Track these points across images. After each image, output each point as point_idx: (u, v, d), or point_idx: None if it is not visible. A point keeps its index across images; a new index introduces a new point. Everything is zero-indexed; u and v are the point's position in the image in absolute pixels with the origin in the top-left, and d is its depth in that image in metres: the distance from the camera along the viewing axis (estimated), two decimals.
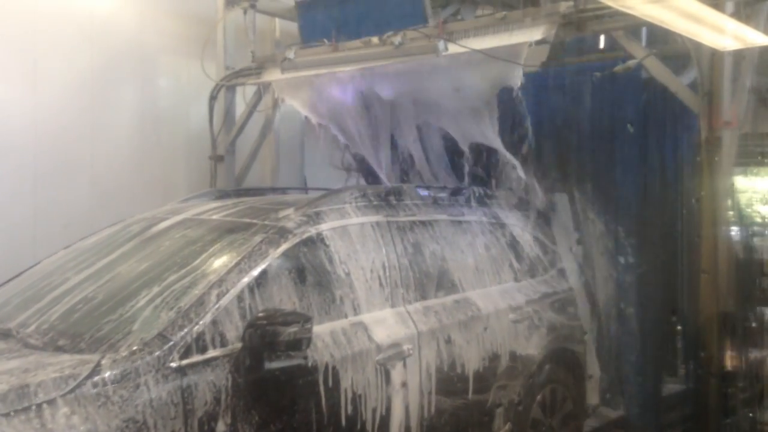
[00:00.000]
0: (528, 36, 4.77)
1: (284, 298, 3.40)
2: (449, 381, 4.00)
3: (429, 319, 3.97)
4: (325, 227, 3.75)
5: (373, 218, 4.01)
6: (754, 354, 5.28)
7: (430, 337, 3.90)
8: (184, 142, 7.06)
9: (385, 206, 4.16)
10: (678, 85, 4.78)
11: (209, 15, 6.93)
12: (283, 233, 3.57)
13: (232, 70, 6.82)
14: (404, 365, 3.73)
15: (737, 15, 4.29)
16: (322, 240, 3.70)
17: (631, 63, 4.64)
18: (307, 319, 3.15)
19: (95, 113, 6.34)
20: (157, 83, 6.92)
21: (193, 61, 6.69)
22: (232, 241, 3.57)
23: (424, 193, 4.52)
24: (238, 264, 3.32)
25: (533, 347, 4.56)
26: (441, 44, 4.89)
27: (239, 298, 3.22)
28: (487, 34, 4.95)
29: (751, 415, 5.03)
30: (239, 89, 6.92)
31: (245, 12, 6.67)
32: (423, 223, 4.29)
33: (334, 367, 3.40)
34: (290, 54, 5.79)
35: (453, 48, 4.94)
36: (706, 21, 4.07)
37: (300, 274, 3.52)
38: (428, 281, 4.12)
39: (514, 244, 4.90)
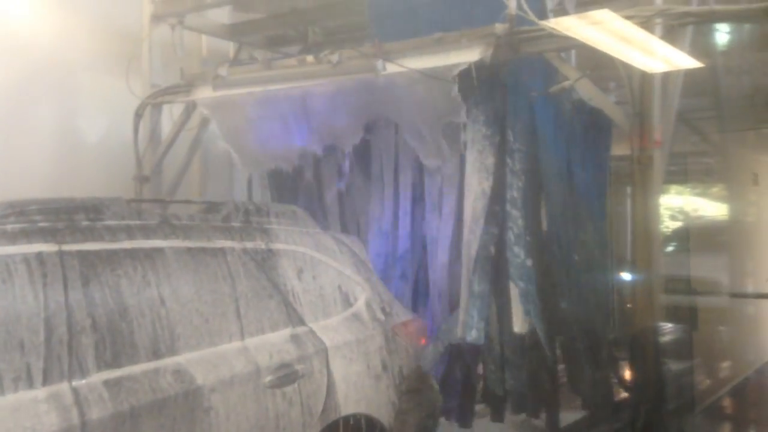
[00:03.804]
0: (465, 57, 4.82)
1: None
2: None
3: (113, 398, 2.79)
4: None
5: (32, 248, 2.80)
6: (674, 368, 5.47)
7: (107, 427, 2.73)
8: (107, 162, 6.76)
9: (63, 230, 2.94)
10: (610, 106, 4.91)
11: (135, 30, 6.73)
12: None
13: (158, 88, 6.62)
14: None
15: (665, 38, 4.44)
16: None
17: (565, 84, 4.73)
18: None
19: (11, 130, 6.03)
20: (79, 100, 6.66)
21: (117, 78, 6.46)
22: None
23: (152, 209, 3.51)
24: None
25: (306, 418, 3.47)
26: (380, 64, 4.89)
27: None
28: (424, 54, 4.97)
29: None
30: (166, 107, 6.72)
31: (173, 28, 6.50)
32: (134, 253, 3.10)
33: None
34: (223, 71, 5.67)
35: (391, 68, 4.94)
36: (637, 43, 4.20)
37: None
38: (126, 340, 2.93)
39: (296, 278, 3.81)
